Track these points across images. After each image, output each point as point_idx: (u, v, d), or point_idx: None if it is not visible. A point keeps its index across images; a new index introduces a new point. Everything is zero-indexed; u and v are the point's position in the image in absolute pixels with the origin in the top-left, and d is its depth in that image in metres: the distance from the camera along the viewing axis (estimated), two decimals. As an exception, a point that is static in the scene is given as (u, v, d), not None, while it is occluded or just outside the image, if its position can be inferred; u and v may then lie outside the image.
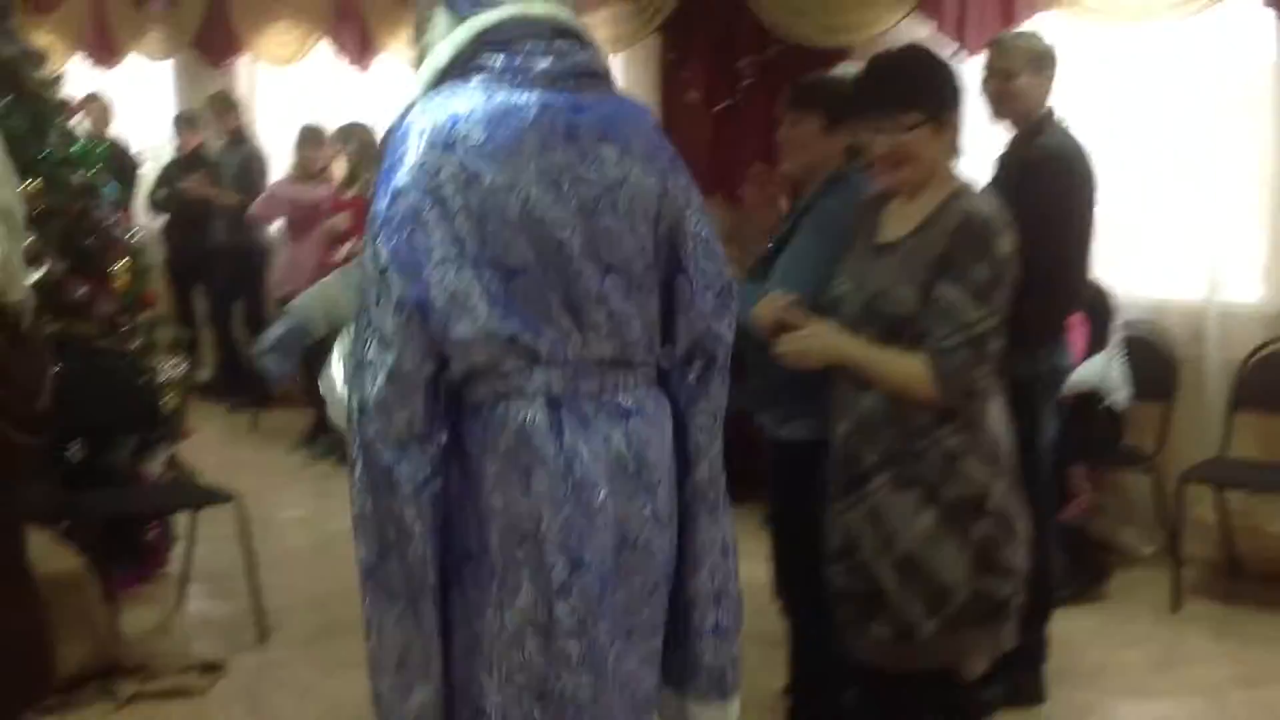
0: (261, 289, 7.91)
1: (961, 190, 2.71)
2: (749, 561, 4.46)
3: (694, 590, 2.18)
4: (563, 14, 2.05)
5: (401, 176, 1.94)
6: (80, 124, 5.28)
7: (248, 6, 8.47)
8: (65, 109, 4.99)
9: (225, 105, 8.12)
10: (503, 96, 1.97)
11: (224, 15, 8.59)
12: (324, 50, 8.19)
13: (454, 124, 1.94)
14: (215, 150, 8.13)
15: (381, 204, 1.95)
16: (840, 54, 5.83)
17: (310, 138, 7.29)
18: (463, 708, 2.03)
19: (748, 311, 3.13)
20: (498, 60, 2.00)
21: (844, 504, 2.75)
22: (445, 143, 1.94)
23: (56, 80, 5.00)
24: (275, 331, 2.96)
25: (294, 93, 8.57)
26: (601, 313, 2.00)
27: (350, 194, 6.76)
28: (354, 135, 6.88)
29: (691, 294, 2.10)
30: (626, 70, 6.92)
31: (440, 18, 2.08)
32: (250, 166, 7.93)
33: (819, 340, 2.78)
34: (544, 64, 2.00)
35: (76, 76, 8.72)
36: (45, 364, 2.32)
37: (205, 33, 8.76)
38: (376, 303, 1.93)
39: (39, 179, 4.61)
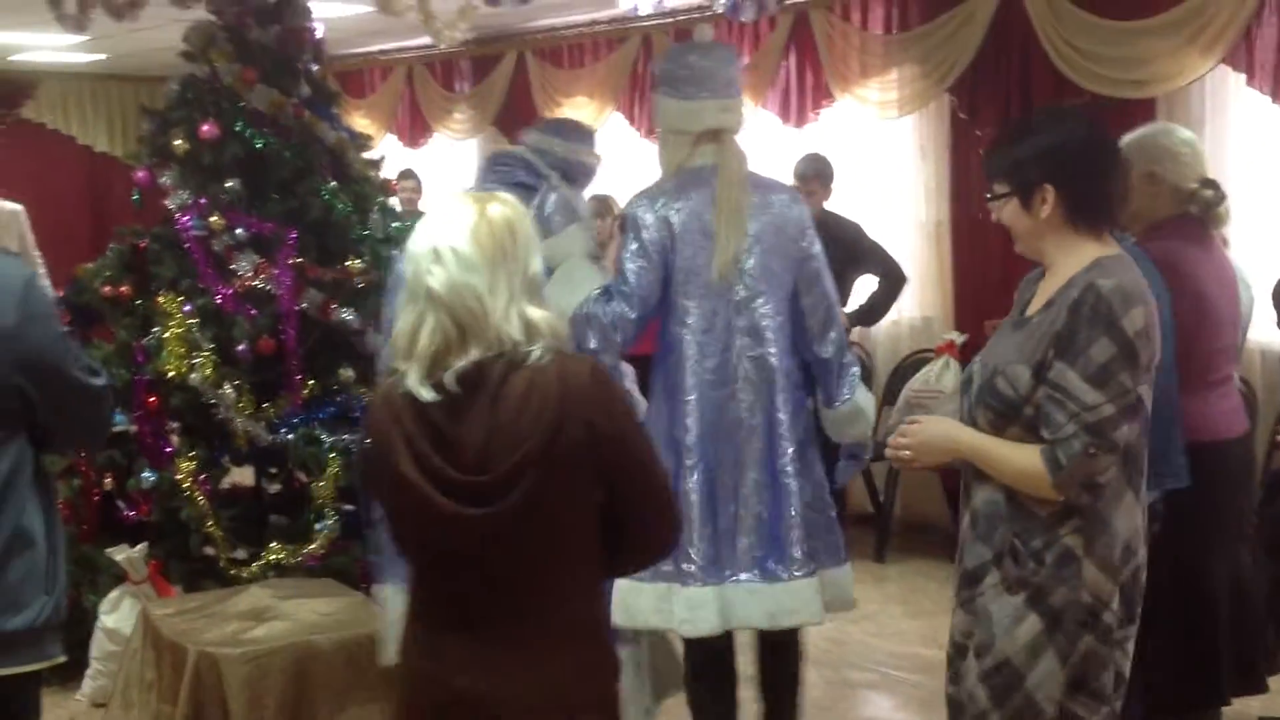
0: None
1: (1099, 262, 2.45)
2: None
3: None
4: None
5: None
6: (396, 201, 5.59)
7: (547, 85, 8.82)
8: (386, 188, 5.31)
9: None
10: None
11: (525, 94, 8.97)
12: (615, 122, 8.43)
13: None
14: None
15: None
16: (1144, 107, 5.60)
17: (601, 208, 7.47)
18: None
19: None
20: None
21: (958, 602, 2.58)
22: None
23: (378, 163, 5.32)
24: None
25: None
26: None
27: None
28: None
29: None
30: (916, 131, 6.84)
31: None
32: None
33: (929, 433, 2.57)
34: None
35: (388, 156, 9.23)
36: None
37: (506, 112, 9.16)
38: None
39: (361, 257, 4.91)
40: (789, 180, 5.87)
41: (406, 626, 2.25)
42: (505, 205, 2.15)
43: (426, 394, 2.07)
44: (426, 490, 2.07)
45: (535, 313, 2.10)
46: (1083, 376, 2.35)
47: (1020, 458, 2.43)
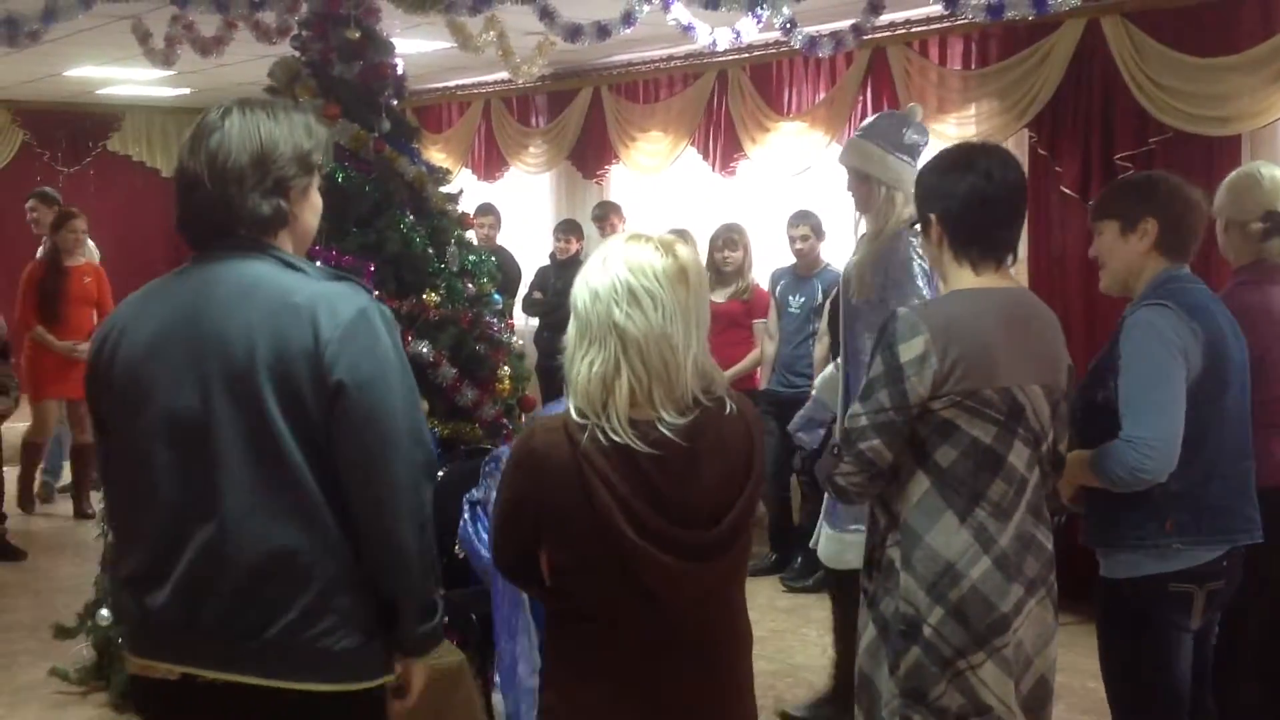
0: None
1: (947, 294, 2.69)
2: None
3: None
4: None
5: None
6: (473, 235, 5.62)
7: (622, 120, 8.86)
8: (463, 222, 5.34)
9: (608, 212, 8.35)
10: None
11: (600, 129, 9.02)
12: (689, 157, 8.43)
13: None
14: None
15: None
16: (1229, 144, 5.50)
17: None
18: None
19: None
20: None
21: None
22: None
23: (456, 196, 5.36)
24: (806, 410, 4.29)
25: (656, 198, 8.84)
26: None
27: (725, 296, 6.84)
28: (733, 237, 6.93)
29: None
30: (994, 167, 6.77)
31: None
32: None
33: None
34: None
35: (464, 189, 9.27)
36: None
37: (580, 147, 9.21)
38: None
39: (437, 291, 4.93)
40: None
41: (563, 693, 2.17)
42: (689, 248, 2.14)
43: (642, 447, 2.02)
44: (647, 549, 2.02)
45: (707, 360, 2.10)
46: (859, 389, 2.57)
47: None
